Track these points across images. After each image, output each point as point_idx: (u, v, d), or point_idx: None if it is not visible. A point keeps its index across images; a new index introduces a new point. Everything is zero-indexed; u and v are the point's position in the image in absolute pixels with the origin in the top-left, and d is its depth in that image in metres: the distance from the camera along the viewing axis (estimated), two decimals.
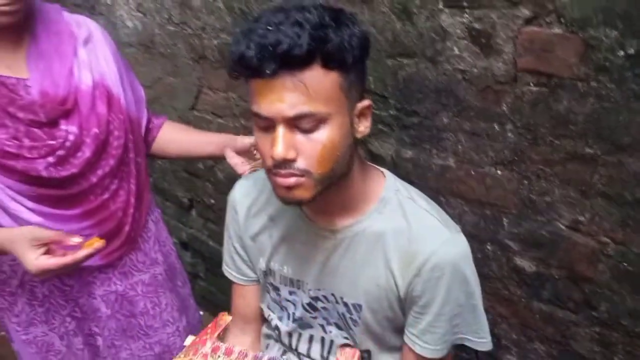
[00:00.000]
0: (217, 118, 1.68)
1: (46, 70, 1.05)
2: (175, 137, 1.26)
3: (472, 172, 1.05)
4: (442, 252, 0.90)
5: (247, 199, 1.09)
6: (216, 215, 1.93)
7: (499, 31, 0.89)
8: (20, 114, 1.02)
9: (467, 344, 0.98)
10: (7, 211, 1.04)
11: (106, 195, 1.14)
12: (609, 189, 0.88)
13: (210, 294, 2.32)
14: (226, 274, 1.19)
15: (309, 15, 0.75)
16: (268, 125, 0.80)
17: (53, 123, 1.05)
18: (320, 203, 0.96)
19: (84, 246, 1.01)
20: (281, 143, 0.79)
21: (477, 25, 0.91)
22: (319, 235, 1.00)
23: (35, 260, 0.97)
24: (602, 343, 1.01)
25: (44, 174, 1.04)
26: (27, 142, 1.03)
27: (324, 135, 0.80)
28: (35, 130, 1.04)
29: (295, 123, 0.79)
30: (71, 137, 1.06)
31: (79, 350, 1.24)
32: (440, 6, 0.94)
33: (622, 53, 0.77)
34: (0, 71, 1.02)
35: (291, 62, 0.75)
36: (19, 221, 1.05)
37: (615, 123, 0.82)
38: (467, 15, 0.91)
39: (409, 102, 1.08)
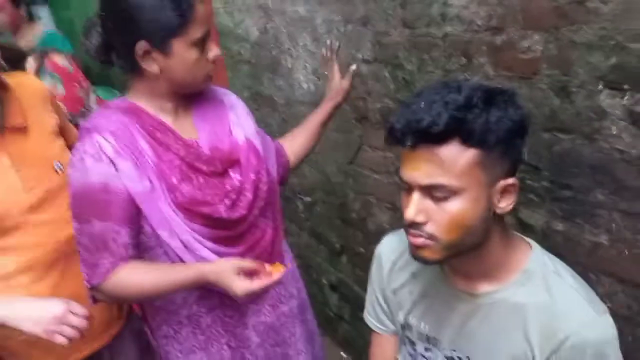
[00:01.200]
0: (374, 174, 1.80)
1: (211, 132, 1.26)
2: (296, 143, 1.52)
3: (626, 252, 1.02)
4: (585, 332, 0.89)
5: (393, 254, 1.18)
6: (364, 262, 2.04)
7: None
8: (204, 167, 1.21)
9: None
10: (192, 252, 1.22)
11: (258, 234, 1.30)
12: None
13: (353, 338, 2.41)
14: (367, 321, 1.27)
15: (457, 96, 0.84)
16: (408, 188, 0.90)
17: (224, 173, 1.25)
18: (460, 266, 1.01)
19: (274, 271, 1.20)
20: (412, 207, 0.89)
21: (638, 109, 0.91)
22: (458, 298, 1.04)
23: (242, 284, 1.14)
24: None
25: (224, 215, 1.22)
26: (208, 190, 1.22)
27: (455, 206, 0.87)
28: (212, 179, 1.23)
29: (429, 191, 0.88)
30: (237, 184, 1.25)
31: None
32: (600, 87, 0.96)
33: None
34: (182, 134, 1.23)
35: (429, 138, 0.84)
36: (198, 259, 1.23)
37: None
38: (627, 98, 0.93)
39: (563, 176, 1.10)
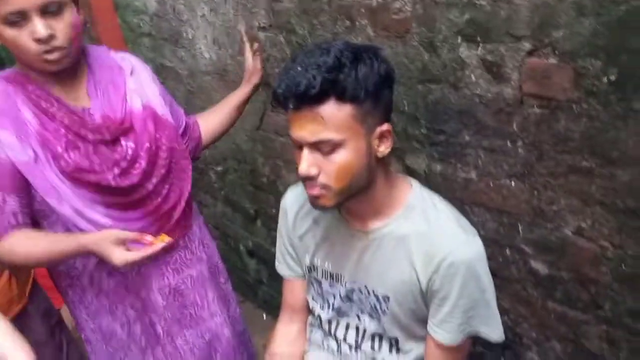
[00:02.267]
0: (279, 137, 1.90)
1: (104, 99, 1.26)
2: (211, 120, 1.55)
3: (491, 184, 1.19)
4: (457, 252, 1.05)
5: (296, 204, 1.29)
6: (277, 224, 2.13)
7: (507, 61, 1.04)
8: (90, 136, 1.23)
9: (481, 335, 1.11)
10: (85, 217, 1.26)
11: (159, 199, 1.34)
12: (605, 198, 1.00)
13: (273, 299, 2.52)
14: (278, 269, 1.38)
15: (327, 58, 0.94)
16: (299, 146, 1.01)
17: (115, 141, 1.26)
18: (353, 208, 1.14)
19: (156, 242, 1.23)
20: (304, 163, 0.99)
21: (489, 57, 1.06)
22: (354, 236, 1.17)
23: (120, 255, 1.17)
24: (608, 341, 1.11)
25: (112, 183, 1.25)
26: (96, 158, 1.24)
27: (340, 157, 0.98)
28: (102, 147, 1.25)
29: (316, 146, 0.98)
30: (130, 151, 1.27)
31: (137, 336, 1.44)
32: (459, 41, 1.10)
33: (605, 80, 0.91)
34: (70, 102, 1.23)
35: (308, 99, 0.94)
36: (95, 225, 1.26)
37: (605, 140, 0.95)
38: (480, 48, 1.07)
39: (437, 122, 1.24)
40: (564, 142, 1.01)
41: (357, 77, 0.96)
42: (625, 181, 0.96)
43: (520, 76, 1.03)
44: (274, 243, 2.32)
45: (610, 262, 1.04)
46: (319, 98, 0.95)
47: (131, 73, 1.33)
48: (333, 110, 0.96)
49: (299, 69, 0.96)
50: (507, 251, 1.23)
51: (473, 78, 1.11)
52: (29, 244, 1.23)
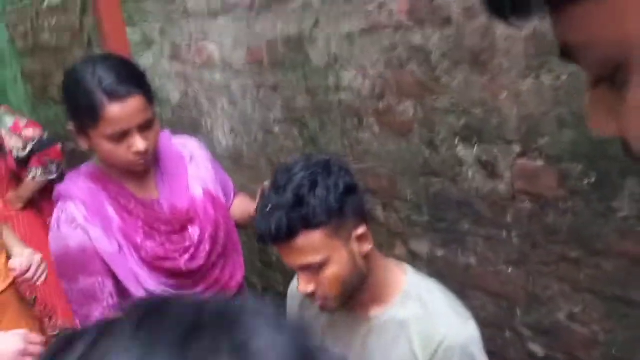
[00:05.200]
0: None
1: (171, 190, 1.40)
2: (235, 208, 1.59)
3: (489, 270, 1.29)
4: (453, 336, 1.13)
5: None
6: (284, 301, 2.20)
7: (500, 161, 1.17)
8: (162, 227, 1.37)
9: None
10: None
11: (217, 271, 1.46)
12: (593, 286, 1.10)
13: None
14: None
15: (288, 196, 1.03)
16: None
17: (183, 229, 1.40)
18: (355, 297, 1.23)
19: None
20: (302, 284, 1.09)
21: (483, 156, 1.20)
22: (357, 322, 1.25)
23: None
24: None
25: (184, 268, 1.38)
26: (169, 246, 1.37)
27: (328, 272, 1.08)
28: (172, 236, 1.39)
29: (305, 268, 1.08)
30: (196, 238, 1.40)
31: None
32: (456, 141, 1.24)
33: (586, 181, 1.03)
34: (141, 195, 1.37)
35: (280, 239, 1.04)
36: None
37: (589, 233, 1.06)
38: (476, 149, 1.21)
39: (439, 211, 1.36)
40: (553, 234, 1.12)
41: (319, 205, 1.04)
42: (610, 271, 1.06)
43: (512, 174, 1.15)
44: None
45: (601, 346, 1.12)
46: (290, 235, 1.03)
47: (190, 160, 1.45)
48: (305, 240, 1.04)
49: (268, 209, 1.04)
50: (507, 333, 1.31)
51: (470, 174, 1.24)
52: None
